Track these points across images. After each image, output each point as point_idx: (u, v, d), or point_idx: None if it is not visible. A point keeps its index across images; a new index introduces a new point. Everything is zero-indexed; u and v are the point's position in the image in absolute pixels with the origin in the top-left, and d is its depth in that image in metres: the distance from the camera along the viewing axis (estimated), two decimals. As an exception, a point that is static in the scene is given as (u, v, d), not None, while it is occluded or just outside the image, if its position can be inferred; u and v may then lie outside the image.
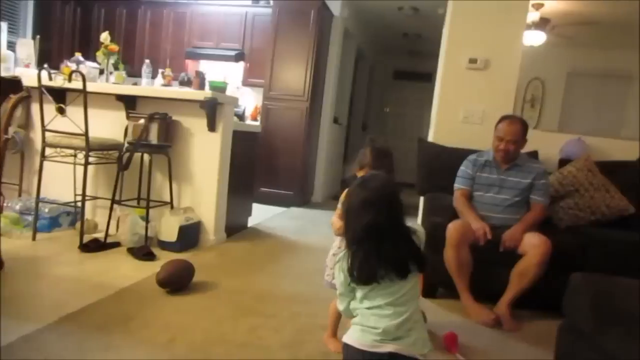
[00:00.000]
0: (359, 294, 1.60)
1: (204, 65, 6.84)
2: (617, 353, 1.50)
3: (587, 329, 1.70)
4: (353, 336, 1.58)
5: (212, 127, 3.66)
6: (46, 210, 3.66)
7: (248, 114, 6.57)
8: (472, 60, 3.92)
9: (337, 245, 2.18)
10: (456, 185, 3.10)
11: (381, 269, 1.53)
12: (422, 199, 3.84)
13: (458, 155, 3.31)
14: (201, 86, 4.64)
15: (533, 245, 2.67)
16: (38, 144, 3.58)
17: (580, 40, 3.95)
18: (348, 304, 1.65)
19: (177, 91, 3.87)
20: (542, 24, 3.91)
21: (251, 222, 4.72)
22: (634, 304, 1.61)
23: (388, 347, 1.51)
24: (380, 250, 1.54)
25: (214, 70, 6.61)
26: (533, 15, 3.90)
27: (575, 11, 3.88)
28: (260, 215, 5.08)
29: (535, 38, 3.96)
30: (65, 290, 2.56)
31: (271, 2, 6.14)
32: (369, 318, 1.56)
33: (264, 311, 2.54)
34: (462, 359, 2.17)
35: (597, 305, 1.68)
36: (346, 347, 1.60)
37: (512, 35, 3.88)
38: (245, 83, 6.66)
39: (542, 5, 3.85)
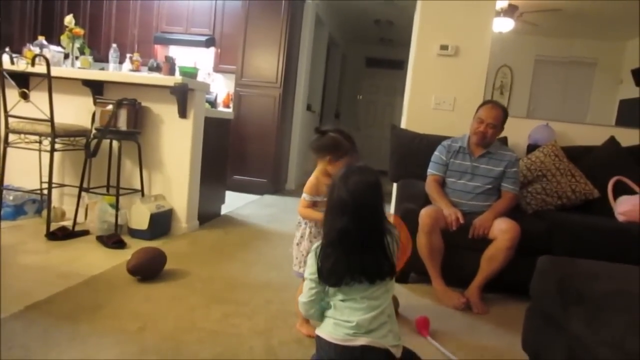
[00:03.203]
0: (332, 288, 1.59)
1: (174, 51, 6.72)
2: (581, 334, 1.54)
3: (553, 310, 1.74)
4: (326, 329, 1.58)
5: (183, 113, 3.60)
6: (10, 198, 3.57)
7: (220, 100, 6.49)
8: (443, 47, 3.95)
9: (299, 235, 2.18)
10: (429, 171, 3.12)
11: (348, 277, 1.52)
12: (395, 185, 3.86)
13: (430, 142, 3.34)
14: (171, 72, 4.55)
15: (502, 231, 2.71)
16: (1, 130, 3.47)
17: (546, 28, 4.03)
18: (312, 296, 1.62)
19: (146, 77, 3.78)
20: (510, 11, 3.96)
21: (224, 209, 4.68)
22: (597, 286, 1.65)
23: (360, 341, 1.51)
24: (349, 259, 1.52)
25: (183, 56, 6.50)
26: (501, 3, 3.94)
27: (541, -1, 3.97)
28: (234, 203, 5.05)
29: (503, 25, 4.01)
30: (31, 279, 2.50)
31: (242, -13, 6.03)
32: (342, 311, 1.56)
33: (236, 299, 2.52)
34: (433, 342, 2.20)
35: (563, 288, 1.72)
36: (319, 339, 1.60)
37: (482, 22, 3.91)
38: (216, 69, 6.58)
39: (510, -8, 3.92)
